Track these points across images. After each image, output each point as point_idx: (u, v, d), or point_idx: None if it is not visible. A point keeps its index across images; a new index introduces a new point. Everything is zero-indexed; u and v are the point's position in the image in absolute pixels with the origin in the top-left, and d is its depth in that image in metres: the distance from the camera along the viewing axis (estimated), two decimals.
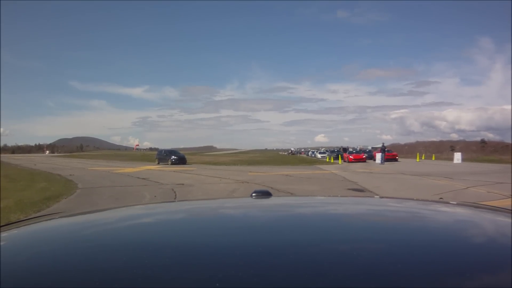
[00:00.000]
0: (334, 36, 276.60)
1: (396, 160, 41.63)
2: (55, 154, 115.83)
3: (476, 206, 1.71)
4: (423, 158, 46.34)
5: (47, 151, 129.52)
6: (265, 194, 1.77)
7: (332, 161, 44.03)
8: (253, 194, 1.75)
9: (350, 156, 42.16)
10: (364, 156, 42.77)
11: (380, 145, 41.05)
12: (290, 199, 2.16)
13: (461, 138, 67.27)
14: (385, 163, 35.45)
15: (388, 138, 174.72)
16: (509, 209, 1.46)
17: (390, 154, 42.04)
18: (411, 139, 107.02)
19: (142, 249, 1.01)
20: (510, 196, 10.65)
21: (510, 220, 1.35)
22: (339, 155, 45.39)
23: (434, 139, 73.45)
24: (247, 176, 19.32)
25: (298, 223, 1.35)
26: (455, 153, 39.11)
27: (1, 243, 1.12)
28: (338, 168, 28.86)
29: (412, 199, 2.47)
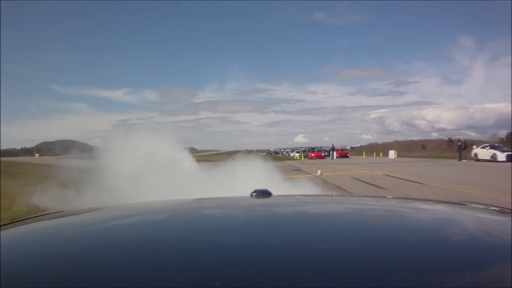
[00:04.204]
0: (313, 37, 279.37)
1: (347, 157, 53.06)
2: (44, 157, 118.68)
3: (476, 206, 1.74)
4: (373, 155, 57.81)
5: (37, 154, 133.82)
6: (265, 193, 1.75)
7: (298, 158, 55.64)
8: (253, 194, 1.74)
9: (312, 154, 53.88)
10: (323, 154, 54.13)
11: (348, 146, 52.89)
12: (290, 198, 2.06)
13: (441, 137, 67.54)
14: (337, 159, 46.82)
15: (368, 138, 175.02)
16: (509, 209, 1.48)
17: (342, 152, 54.97)
18: (391, 139, 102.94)
19: (141, 248, 1.01)
20: (376, 173, 21.49)
21: (510, 220, 1.35)
22: (301, 154, 57.48)
23: (414, 138, 75.04)
24: None
25: (298, 222, 1.35)
26: (389, 151, 50.89)
27: (1, 243, 1.10)
28: (298, 162, 39.93)
29: (414, 199, 2.49)
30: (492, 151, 30.88)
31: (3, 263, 0.91)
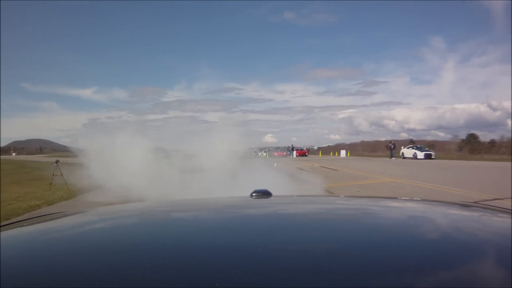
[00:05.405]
0: (283, 37, 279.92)
1: (306, 155, 61.91)
2: (21, 155, 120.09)
3: (475, 206, 1.75)
4: (330, 154, 66.55)
5: (14, 153, 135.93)
6: (265, 193, 1.76)
7: (263, 156, 63.74)
8: (253, 194, 1.75)
9: (275, 153, 62.11)
10: (285, 153, 62.71)
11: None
12: (291, 199, 2.05)
13: (410, 137, 68.06)
14: (296, 157, 55.24)
15: (337, 138, 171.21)
16: (509, 209, 1.49)
17: (301, 151, 64.29)
18: (360, 139, 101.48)
19: (141, 248, 1.01)
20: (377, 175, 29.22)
21: (510, 220, 1.36)
22: (266, 153, 66.09)
23: (383, 139, 75.86)
24: None
25: (298, 223, 1.35)
26: (341, 150, 59.94)
27: (1, 243, 1.11)
28: (262, 159, 47.68)
29: (415, 200, 2.50)
30: (414, 150, 39.50)
31: (3, 263, 0.91)
